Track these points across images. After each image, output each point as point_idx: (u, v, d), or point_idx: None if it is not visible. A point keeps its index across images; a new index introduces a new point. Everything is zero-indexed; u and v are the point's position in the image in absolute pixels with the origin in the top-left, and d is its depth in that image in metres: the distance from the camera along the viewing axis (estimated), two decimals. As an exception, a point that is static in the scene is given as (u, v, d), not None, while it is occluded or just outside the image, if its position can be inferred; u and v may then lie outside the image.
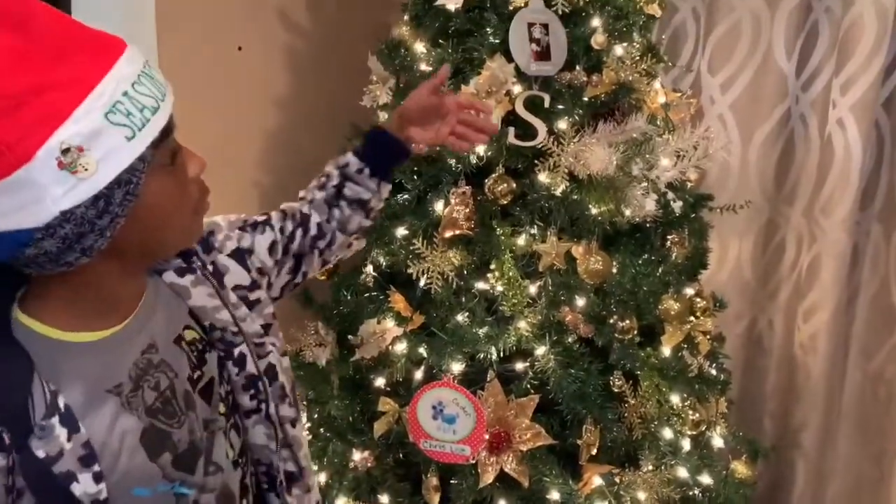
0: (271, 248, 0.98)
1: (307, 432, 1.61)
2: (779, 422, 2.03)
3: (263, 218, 1.01)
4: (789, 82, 1.95)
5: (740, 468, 1.65)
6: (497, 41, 1.44)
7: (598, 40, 1.46)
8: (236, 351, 0.90)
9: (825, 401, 1.94)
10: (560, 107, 1.45)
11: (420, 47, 1.54)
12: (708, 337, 1.58)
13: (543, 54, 1.37)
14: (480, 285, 1.43)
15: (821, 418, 1.94)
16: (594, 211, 1.44)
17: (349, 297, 1.55)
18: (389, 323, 1.51)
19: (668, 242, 1.54)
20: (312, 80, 1.95)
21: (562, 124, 1.45)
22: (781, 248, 2.06)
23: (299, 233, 1.02)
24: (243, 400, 0.92)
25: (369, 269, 1.54)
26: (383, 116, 1.60)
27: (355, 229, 1.07)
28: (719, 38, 1.98)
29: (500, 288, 1.41)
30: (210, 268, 0.91)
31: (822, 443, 1.98)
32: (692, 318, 1.55)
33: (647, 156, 1.44)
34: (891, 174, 1.91)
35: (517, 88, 1.44)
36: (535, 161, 1.44)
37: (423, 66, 1.52)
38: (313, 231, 1.03)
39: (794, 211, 2.01)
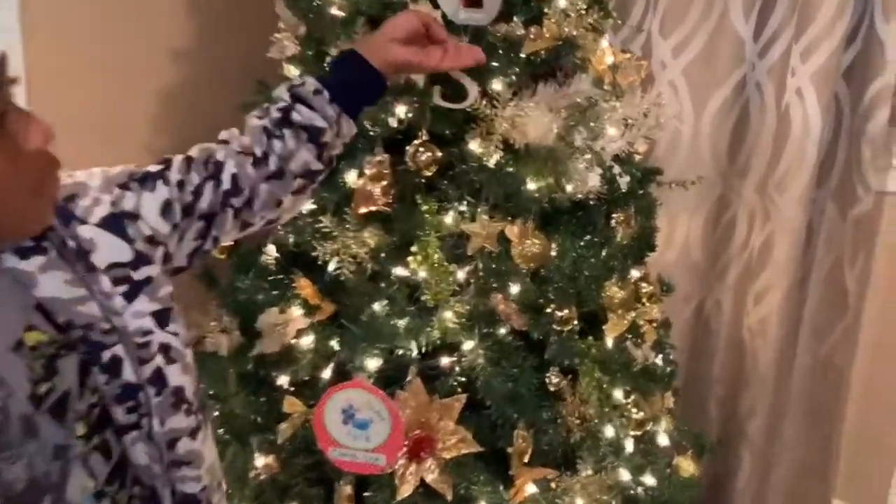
0: (166, 209, 0.79)
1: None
2: (726, 408, 1.93)
3: (158, 168, 0.82)
4: (746, 47, 1.79)
5: (685, 464, 1.53)
6: (421, -17, 1.23)
7: (538, -13, 1.26)
8: (107, 354, 0.71)
9: (774, 387, 1.84)
10: (494, 64, 1.25)
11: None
12: (654, 325, 1.44)
13: (474, 0, 1.17)
14: (399, 271, 1.23)
15: (769, 405, 1.84)
16: (531, 186, 1.26)
17: (248, 281, 1.33)
18: (295, 311, 1.31)
19: (613, 222, 1.37)
20: (215, 26, 1.72)
21: (496, 84, 1.26)
22: (732, 225, 1.93)
23: (209, 187, 0.82)
24: (117, 414, 0.72)
25: (271, 248, 1.33)
26: (291, 70, 1.37)
27: (299, 170, 0.86)
28: (672, -1, 1.82)
29: (422, 274, 1.22)
30: (71, 244, 0.71)
31: (769, 429, 1.88)
32: (637, 304, 1.39)
33: (592, 124, 1.27)
34: (848, 150, 1.79)
35: (445, 40, 1.23)
36: (465, 127, 1.25)
37: (335, 11, 1.29)
38: (226, 184, 0.83)
39: (747, 186, 1.87)
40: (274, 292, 1.32)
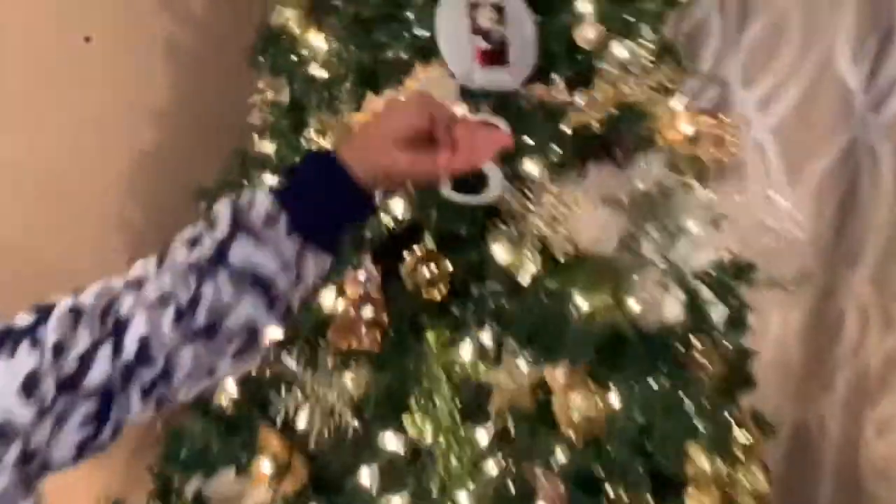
0: (29, 385, 0.55)
1: None
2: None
3: (27, 322, 0.57)
4: (855, 100, 1.42)
5: None
6: (425, 33, 0.89)
7: (587, 35, 0.91)
8: None
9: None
10: (527, 140, 0.90)
11: (316, 39, 1.00)
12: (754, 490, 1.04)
13: (496, 56, 0.83)
14: (391, 438, 0.87)
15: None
16: (581, 308, 0.90)
17: (198, 430, 0.99)
18: (264, 468, 0.97)
19: (696, 351, 0.99)
20: (196, 82, 1.46)
21: (529, 167, 0.91)
22: (839, 324, 1.53)
23: (104, 353, 0.57)
24: None
25: (229, 386, 0.99)
26: (265, 146, 1.05)
27: (240, 328, 0.59)
28: (757, 37, 1.46)
29: (427, 437, 0.86)
30: None
31: None
32: (732, 463, 1.00)
33: (667, 222, 0.90)
34: None
35: (458, 110, 0.89)
36: (487, 226, 0.90)
37: (316, 70, 0.97)
38: (130, 352, 0.57)
39: (858, 278, 1.47)
40: (230, 446, 0.97)
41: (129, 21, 1.38)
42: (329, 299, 0.88)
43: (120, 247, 1.43)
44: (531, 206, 0.89)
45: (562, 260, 0.89)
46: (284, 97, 1.04)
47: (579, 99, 0.89)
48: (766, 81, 1.47)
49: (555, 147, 0.91)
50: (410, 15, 0.89)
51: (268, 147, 1.03)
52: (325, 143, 0.93)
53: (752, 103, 1.48)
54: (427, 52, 0.90)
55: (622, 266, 0.89)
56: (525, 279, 0.89)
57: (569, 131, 0.91)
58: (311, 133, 0.95)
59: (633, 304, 0.91)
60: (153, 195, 1.41)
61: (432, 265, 0.85)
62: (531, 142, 0.91)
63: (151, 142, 1.43)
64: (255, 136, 1.05)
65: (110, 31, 1.35)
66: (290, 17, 1.02)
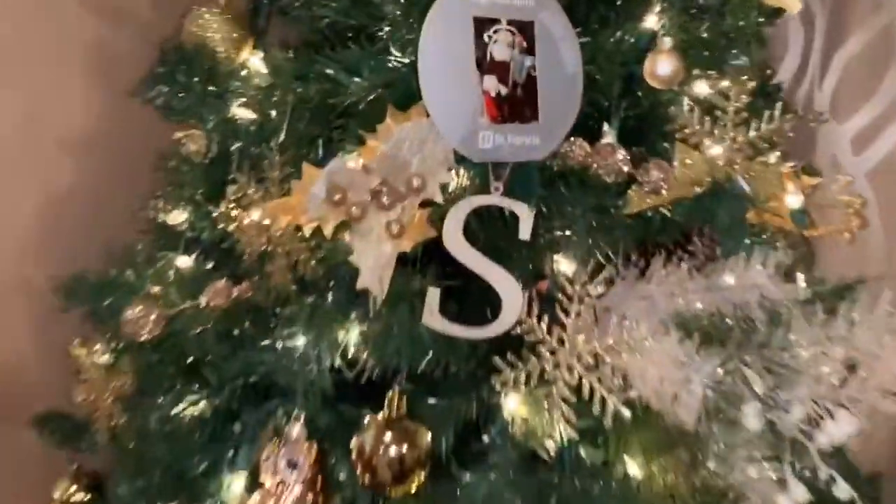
0: None
1: None
2: None
3: None
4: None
5: None
6: (404, 60, 0.56)
7: (659, 68, 0.57)
8: None
9: None
10: (562, 231, 0.58)
11: (254, 60, 0.68)
12: None
13: (516, 104, 0.50)
14: None
15: None
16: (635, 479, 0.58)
17: None
18: None
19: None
20: (127, 104, 1.18)
21: (563, 266, 0.59)
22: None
23: None
24: None
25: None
26: (175, 217, 0.73)
27: None
28: (852, 58, 1.16)
29: None
30: None
31: None
32: None
33: (777, 360, 0.57)
34: None
35: (454, 183, 0.56)
36: (490, 366, 0.57)
37: (240, 111, 0.64)
38: None
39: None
40: None
41: (41, 20, 1.08)
42: (237, 488, 0.55)
43: (20, 313, 1.15)
44: (564, 334, 0.57)
45: (609, 422, 0.56)
46: (201, 146, 0.71)
47: (650, 175, 0.55)
48: (864, 113, 1.16)
49: (602, 241, 0.58)
50: (383, 32, 0.56)
51: (175, 217, 0.70)
52: (250, 218, 0.61)
53: (845, 140, 1.17)
54: (407, 88, 0.57)
55: (708, 438, 0.56)
56: (550, 448, 0.57)
57: (628, 219, 0.58)
58: (227, 204, 0.62)
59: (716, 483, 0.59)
60: (64, 250, 1.12)
61: (402, 446, 0.52)
62: (567, 231, 0.58)
63: (63, 183, 1.16)
64: (160, 202, 0.72)
65: (12, 31, 1.05)
66: (212, 26, 0.69)
